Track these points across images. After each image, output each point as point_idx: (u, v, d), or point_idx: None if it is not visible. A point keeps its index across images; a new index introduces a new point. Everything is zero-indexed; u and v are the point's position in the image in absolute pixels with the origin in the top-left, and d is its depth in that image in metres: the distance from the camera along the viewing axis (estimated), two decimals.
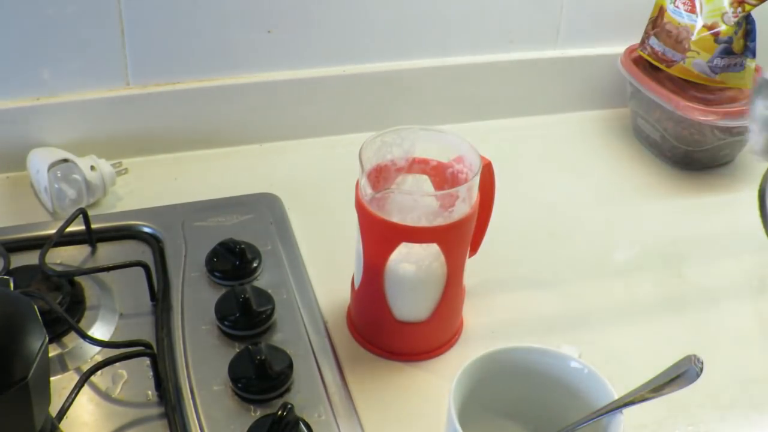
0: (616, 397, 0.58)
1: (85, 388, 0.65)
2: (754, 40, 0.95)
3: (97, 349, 0.70)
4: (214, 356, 0.69)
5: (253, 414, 0.65)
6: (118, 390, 0.67)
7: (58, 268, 0.75)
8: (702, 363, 0.58)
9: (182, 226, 0.83)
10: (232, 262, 0.77)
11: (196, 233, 0.82)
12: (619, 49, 1.05)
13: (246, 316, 0.71)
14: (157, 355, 0.68)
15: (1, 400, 0.43)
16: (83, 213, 0.80)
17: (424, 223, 0.67)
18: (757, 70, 0.99)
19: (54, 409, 0.61)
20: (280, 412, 0.61)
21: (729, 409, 0.70)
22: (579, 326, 0.78)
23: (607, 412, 0.57)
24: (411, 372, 0.72)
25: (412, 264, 0.69)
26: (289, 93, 0.98)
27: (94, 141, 0.92)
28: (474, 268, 0.75)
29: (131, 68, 0.92)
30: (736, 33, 0.94)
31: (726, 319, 0.79)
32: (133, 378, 0.68)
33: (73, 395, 0.62)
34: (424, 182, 0.71)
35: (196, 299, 0.75)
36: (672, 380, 0.58)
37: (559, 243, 0.88)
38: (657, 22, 1.00)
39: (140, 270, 0.75)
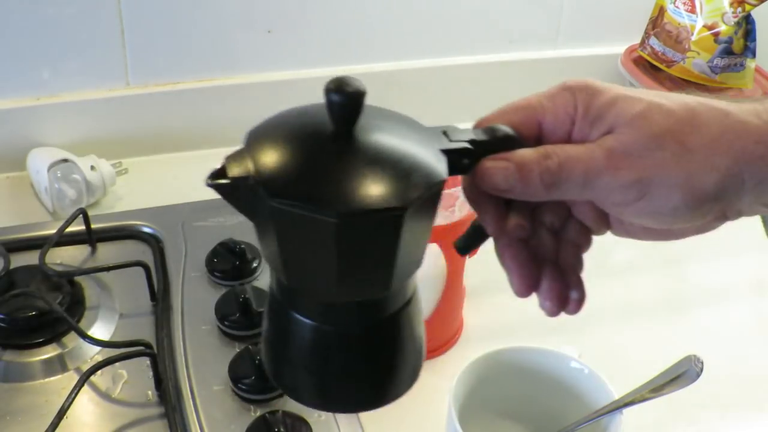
0: (616, 397, 0.58)
1: (85, 388, 0.65)
2: (754, 40, 0.95)
3: (97, 349, 0.70)
4: (214, 356, 0.69)
5: (253, 414, 0.65)
6: (118, 390, 0.67)
7: (58, 268, 0.75)
8: (702, 363, 0.58)
9: (182, 226, 0.83)
10: (232, 262, 0.77)
11: (196, 233, 0.82)
12: (619, 49, 1.05)
13: (246, 316, 0.71)
14: (157, 355, 0.68)
15: (371, 221, 0.38)
16: (83, 213, 0.80)
17: None
18: (757, 70, 0.99)
19: (54, 409, 0.61)
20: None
21: (729, 409, 0.70)
22: (579, 326, 0.77)
23: (607, 413, 0.57)
24: None
25: None
26: (289, 93, 0.98)
27: (94, 141, 0.92)
28: (474, 268, 0.75)
29: (131, 68, 0.92)
30: (736, 33, 0.94)
31: (726, 319, 0.79)
32: (133, 378, 0.68)
33: (73, 395, 0.62)
34: None
35: (196, 299, 0.75)
36: (672, 380, 0.58)
37: None
38: (657, 22, 1.00)
39: (140, 270, 0.75)
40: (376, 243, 0.39)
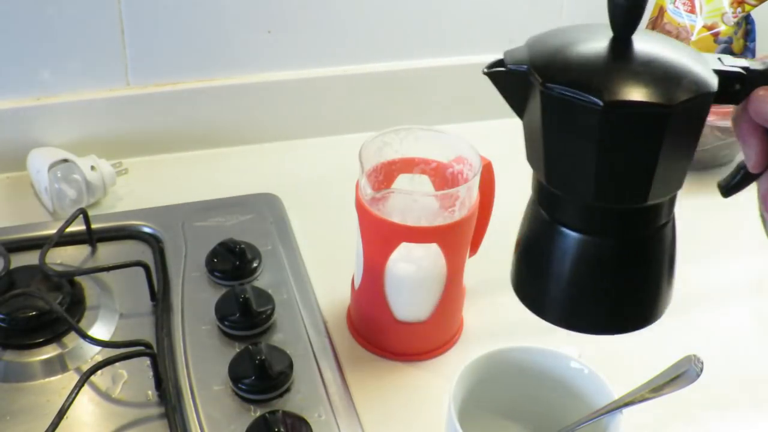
0: (616, 397, 0.58)
1: (85, 388, 0.65)
2: (754, 40, 0.95)
3: (97, 349, 0.70)
4: (214, 356, 0.69)
5: (252, 414, 0.65)
6: (118, 390, 0.67)
7: (58, 268, 0.75)
8: (702, 363, 0.58)
9: (182, 226, 0.83)
10: (232, 262, 0.77)
11: (196, 233, 0.82)
12: None
13: (246, 316, 0.71)
14: (157, 355, 0.68)
15: (636, 114, 0.38)
16: (83, 213, 0.80)
17: (424, 223, 0.67)
18: None
19: (54, 409, 0.61)
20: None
21: (729, 409, 0.70)
22: None
23: (607, 412, 0.57)
24: (411, 372, 0.72)
25: (412, 264, 0.69)
26: (289, 93, 0.98)
27: (94, 141, 0.92)
28: (474, 268, 0.75)
29: (131, 68, 0.92)
30: (735, 33, 0.94)
31: (726, 319, 0.79)
32: (133, 378, 0.68)
33: (73, 395, 0.62)
34: (424, 182, 0.71)
35: (196, 299, 0.75)
36: (672, 380, 0.58)
37: None
38: (657, 22, 1.00)
39: (140, 270, 0.75)
40: (638, 141, 0.39)
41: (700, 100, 0.39)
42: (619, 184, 0.41)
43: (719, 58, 0.42)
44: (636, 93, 0.38)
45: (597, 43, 0.41)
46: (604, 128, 0.38)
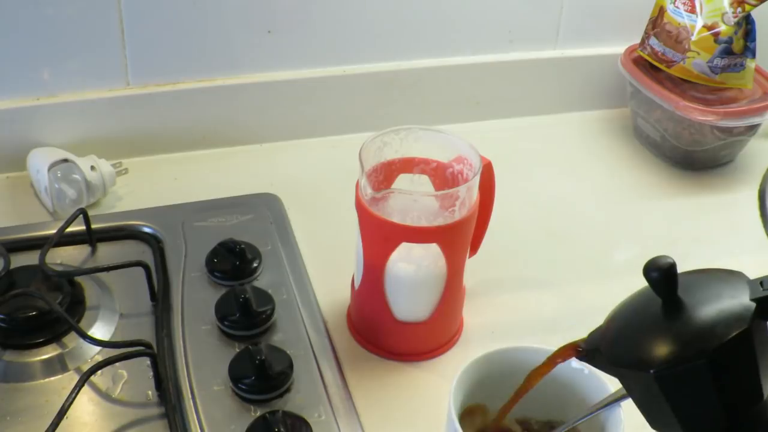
0: None
1: (85, 388, 0.65)
2: (754, 40, 0.95)
3: (97, 349, 0.70)
4: (214, 356, 0.69)
5: (253, 414, 0.65)
6: (118, 390, 0.67)
7: (58, 268, 0.75)
8: None
9: (182, 226, 0.83)
10: (232, 262, 0.77)
11: (196, 233, 0.82)
12: (619, 49, 1.05)
13: (246, 316, 0.71)
14: (157, 355, 0.68)
15: (681, 372, 0.44)
16: (83, 213, 0.80)
17: (424, 223, 0.67)
18: (757, 70, 0.99)
19: (54, 409, 0.61)
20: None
21: None
22: (579, 326, 0.77)
23: (604, 406, 0.57)
24: (411, 372, 0.72)
25: (412, 264, 0.69)
26: (289, 93, 0.98)
27: (94, 141, 0.92)
28: (474, 268, 0.75)
29: (131, 68, 0.92)
30: (736, 33, 0.94)
31: None
32: (133, 378, 0.68)
33: (73, 395, 0.62)
34: (424, 182, 0.71)
35: (196, 299, 0.75)
36: None
37: (559, 243, 0.88)
38: (657, 22, 1.00)
39: (140, 270, 0.75)
40: (696, 390, 0.45)
41: (736, 339, 0.43)
42: (699, 424, 0.46)
43: (761, 282, 0.46)
44: (675, 352, 0.44)
45: (650, 309, 0.47)
46: (665, 388, 0.45)
